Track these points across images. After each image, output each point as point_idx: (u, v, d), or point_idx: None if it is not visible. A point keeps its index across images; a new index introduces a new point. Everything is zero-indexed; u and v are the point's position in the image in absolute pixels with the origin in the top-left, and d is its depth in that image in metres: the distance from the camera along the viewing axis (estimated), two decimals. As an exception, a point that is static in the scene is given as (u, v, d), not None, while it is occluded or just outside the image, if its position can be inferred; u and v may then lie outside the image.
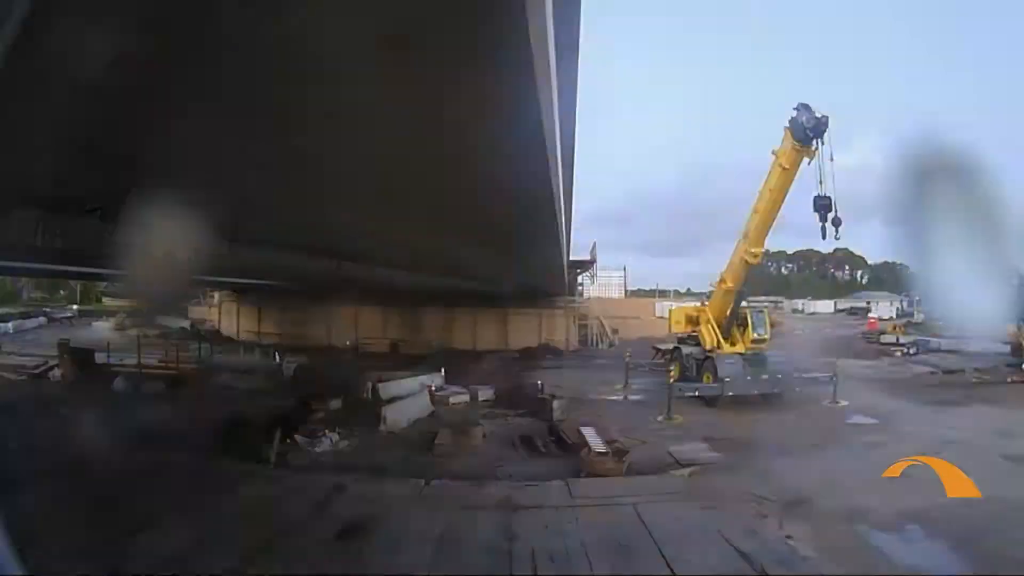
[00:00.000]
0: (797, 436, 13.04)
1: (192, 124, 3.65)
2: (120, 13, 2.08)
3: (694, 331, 19.08)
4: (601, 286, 37.51)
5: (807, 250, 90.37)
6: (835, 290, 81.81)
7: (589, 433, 12.29)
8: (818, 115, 14.69)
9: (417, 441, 12.77)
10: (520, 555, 7.43)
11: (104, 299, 50.74)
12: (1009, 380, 19.84)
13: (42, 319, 35.94)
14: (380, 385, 16.38)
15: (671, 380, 16.54)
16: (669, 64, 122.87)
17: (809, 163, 15.12)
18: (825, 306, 65.76)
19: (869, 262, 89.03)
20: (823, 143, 14.77)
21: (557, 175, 6.44)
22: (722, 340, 17.75)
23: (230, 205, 7.66)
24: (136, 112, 3.32)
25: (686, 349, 19.21)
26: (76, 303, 48.44)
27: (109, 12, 1.98)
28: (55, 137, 3.36)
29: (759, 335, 17.86)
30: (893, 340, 29.11)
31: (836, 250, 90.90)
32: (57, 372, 18.81)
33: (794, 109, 15.08)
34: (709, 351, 17.89)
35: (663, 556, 7.27)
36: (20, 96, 2.55)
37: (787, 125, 15.15)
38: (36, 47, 1.87)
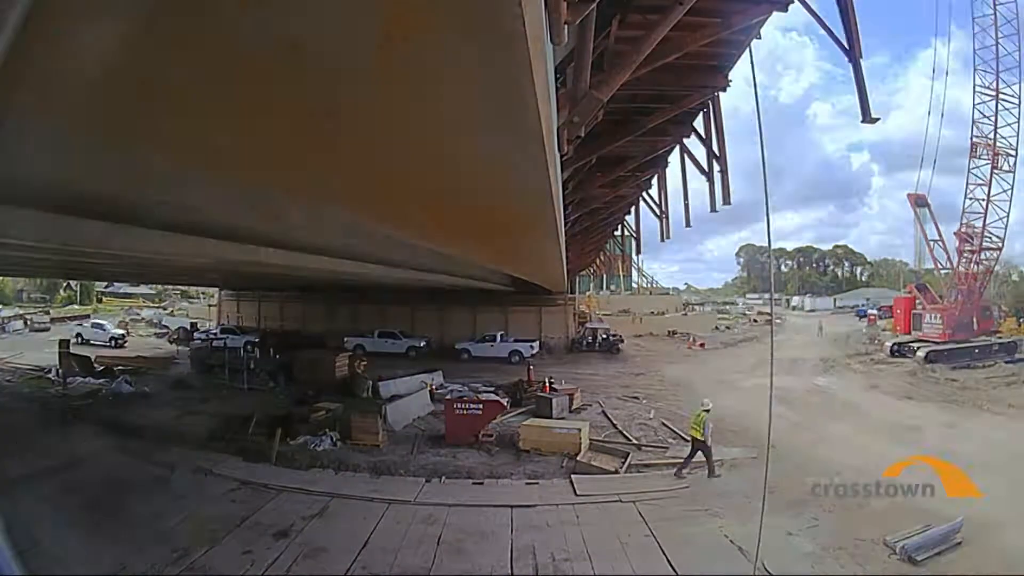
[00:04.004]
0: None
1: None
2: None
3: None
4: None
5: (806, 247, 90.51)
6: (835, 286, 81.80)
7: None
8: None
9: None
10: (521, 554, 7.44)
11: (104, 299, 50.66)
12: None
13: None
14: (381, 384, 16.36)
15: None
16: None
17: None
18: (824, 303, 65.56)
19: (869, 259, 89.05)
20: None
21: (556, 172, 6.42)
22: None
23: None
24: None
25: None
26: (76, 304, 48.37)
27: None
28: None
29: None
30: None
31: (836, 246, 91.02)
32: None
33: None
34: None
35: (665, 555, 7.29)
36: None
37: None
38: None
